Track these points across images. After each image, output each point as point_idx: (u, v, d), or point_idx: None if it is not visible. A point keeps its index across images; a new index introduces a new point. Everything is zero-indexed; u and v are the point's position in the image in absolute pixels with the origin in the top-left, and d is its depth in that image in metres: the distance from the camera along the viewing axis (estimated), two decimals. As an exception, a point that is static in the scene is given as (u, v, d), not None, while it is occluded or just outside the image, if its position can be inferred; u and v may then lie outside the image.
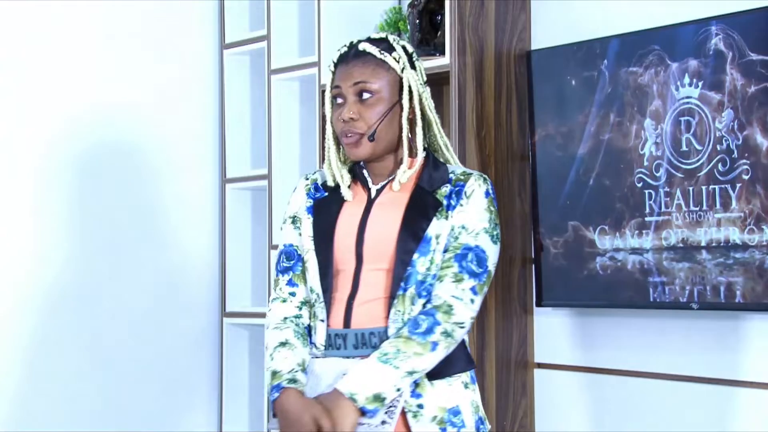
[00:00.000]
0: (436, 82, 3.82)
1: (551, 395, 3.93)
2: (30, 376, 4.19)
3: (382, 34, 2.68)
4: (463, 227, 2.59)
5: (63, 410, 4.25)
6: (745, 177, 3.38)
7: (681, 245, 3.51)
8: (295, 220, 2.72)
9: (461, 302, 2.53)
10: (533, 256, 3.89)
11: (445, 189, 2.61)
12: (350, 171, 2.70)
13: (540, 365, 3.96)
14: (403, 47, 2.66)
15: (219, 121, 4.68)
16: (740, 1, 3.41)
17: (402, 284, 2.56)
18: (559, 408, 3.92)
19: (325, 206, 2.68)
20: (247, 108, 4.68)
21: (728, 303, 3.40)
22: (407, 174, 2.63)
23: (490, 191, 2.62)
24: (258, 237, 4.66)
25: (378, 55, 2.61)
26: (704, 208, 3.47)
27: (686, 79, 3.51)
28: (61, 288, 4.27)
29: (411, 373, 2.50)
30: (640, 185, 3.63)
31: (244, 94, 4.67)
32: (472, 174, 2.63)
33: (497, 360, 3.86)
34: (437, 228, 2.58)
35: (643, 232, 3.59)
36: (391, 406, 2.51)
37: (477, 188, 2.61)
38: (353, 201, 2.67)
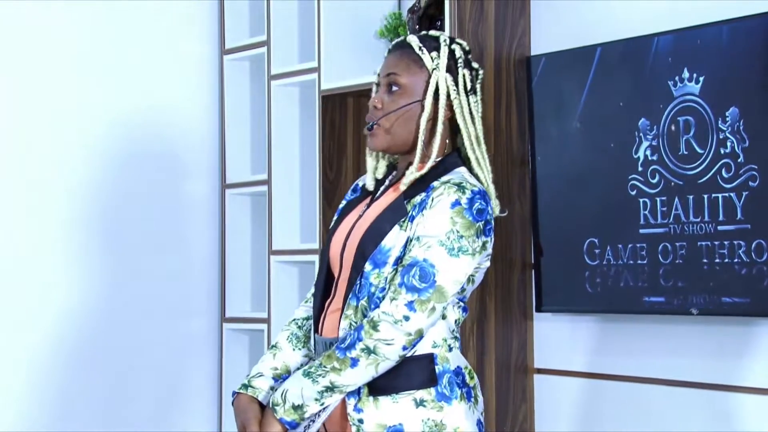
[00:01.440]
0: (435, 87, 3.83)
1: (551, 401, 3.91)
2: (29, 378, 4.19)
3: (439, 33, 2.63)
4: (418, 239, 2.48)
5: (61, 413, 4.25)
6: (753, 184, 3.18)
7: (680, 261, 3.33)
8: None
9: (389, 318, 2.42)
10: (533, 261, 3.87)
11: (419, 197, 2.52)
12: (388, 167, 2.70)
13: (540, 371, 3.95)
14: (452, 51, 2.59)
15: (219, 126, 4.66)
16: (745, 4, 3.31)
17: (355, 294, 2.51)
18: (559, 414, 3.89)
19: (348, 208, 2.66)
20: (247, 113, 4.66)
21: (729, 308, 3.25)
22: (412, 177, 2.55)
23: (463, 201, 2.48)
24: (258, 242, 4.64)
25: (417, 50, 2.58)
26: (706, 219, 3.28)
27: (685, 74, 3.31)
28: (60, 292, 4.27)
29: (331, 388, 2.44)
30: (633, 193, 3.46)
31: (244, 99, 4.65)
32: (447, 183, 2.50)
33: (497, 365, 3.85)
34: (394, 239, 2.50)
35: (637, 246, 3.42)
36: (311, 420, 2.47)
37: (444, 197, 2.48)
38: (361, 204, 2.64)
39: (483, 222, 2.48)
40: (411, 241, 2.47)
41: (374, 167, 2.66)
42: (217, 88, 4.66)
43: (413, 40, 2.59)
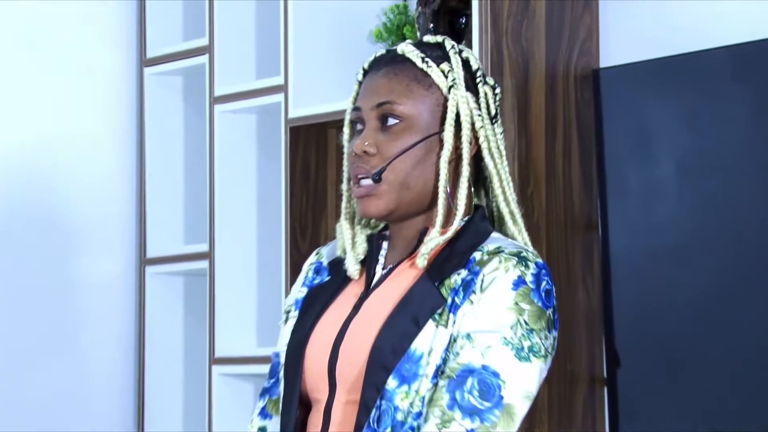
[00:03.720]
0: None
1: None
2: None
3: (440, 38, 2.46)
4: (468, 337, 2.27)
5: None
6: None
7: None
8: (288, 318, 2.53)
9: None
10: (605, 373, 3.63)
11: (457, 277, 2.30)
12: (368, 240, 2.48)
13: None
14: (465, 60, 2.40)
15: (136, 172, 4.32)
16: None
17: (372, 425, 2.31)
18: None
19: (316, 298, 2.45)
20: (179, 152, 4.31)
21: None
22: (433, 243, 2.31)
23: (529, 280, 2.29)
24: (194, 344, 4.26)
25: (419, 63, 2.37)
26: None
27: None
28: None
29: None
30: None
31: (175, 131, 4.31)
32: (500, 253, 2.30)
33: None
34: (430, 340, 2.29)
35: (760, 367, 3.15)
36: None
37: (500, 275, 2.28)
38: (347, 293, 2.42)
39: (552, 309, 2.33)
40: (455, 340, 2.29)
41: (352, 241, 2.45)
42: (134, 115, 4.33)
43: (410, 50, 2.37)
